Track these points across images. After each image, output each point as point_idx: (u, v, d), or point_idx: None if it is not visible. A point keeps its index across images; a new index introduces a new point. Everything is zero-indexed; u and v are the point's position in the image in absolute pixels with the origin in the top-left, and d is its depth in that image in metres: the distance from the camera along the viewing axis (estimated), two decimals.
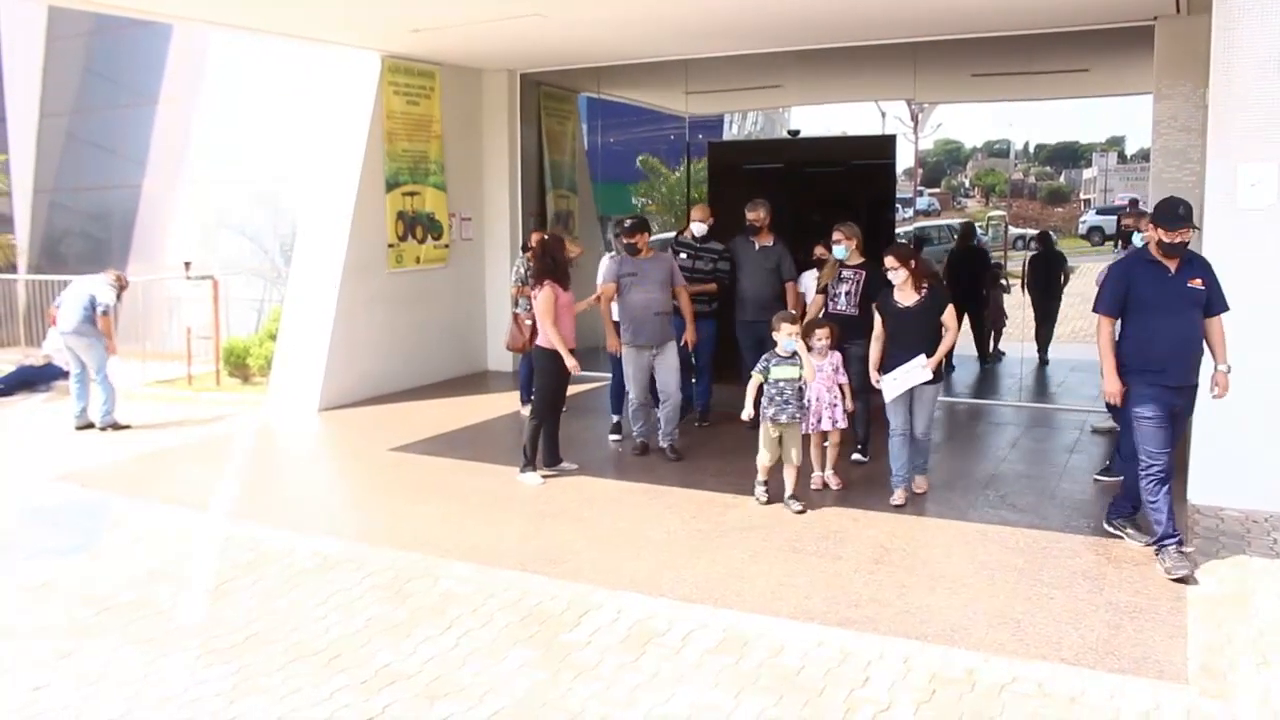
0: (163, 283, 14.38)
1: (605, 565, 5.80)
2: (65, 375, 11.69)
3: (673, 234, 11.03)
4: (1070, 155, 12.82)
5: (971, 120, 13.00)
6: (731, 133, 14.72)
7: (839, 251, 7.54)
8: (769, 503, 6.78)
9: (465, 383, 11.53)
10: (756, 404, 6.80)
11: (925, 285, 6.70)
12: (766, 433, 6.74)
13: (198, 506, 7.07)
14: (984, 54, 10.46)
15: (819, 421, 7.08)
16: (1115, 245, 9.79)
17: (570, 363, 7.31)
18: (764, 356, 6.73)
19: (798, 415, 6.73)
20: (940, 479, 7.33)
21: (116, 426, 9.75)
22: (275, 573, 5.82)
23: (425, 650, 4.84)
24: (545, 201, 12.70)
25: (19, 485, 7.88)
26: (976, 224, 12.73)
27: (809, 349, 6.87)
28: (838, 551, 5.92)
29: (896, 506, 6.74)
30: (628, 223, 7.97)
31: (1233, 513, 6.50)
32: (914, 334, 6.68)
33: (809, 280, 8.51)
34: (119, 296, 9.99)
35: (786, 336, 6.59)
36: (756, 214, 8.73)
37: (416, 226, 11.13)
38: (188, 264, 12.67)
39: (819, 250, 8.28)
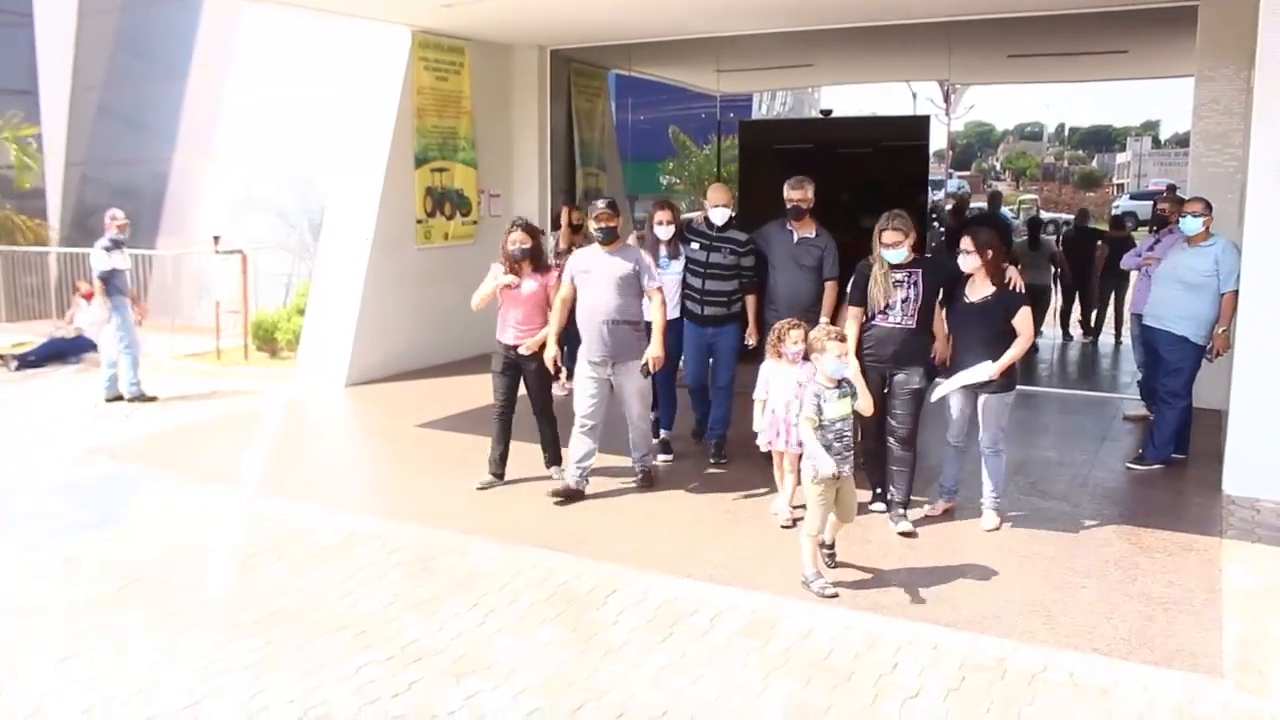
0: (192, 257, 14.43)
1: (632, 545, 5.79)
2: (95, 348, 11.78)
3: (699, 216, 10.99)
4: (1104, 139, 12.66)
5: (1005, 102, 12.85)
6: (760, 112, 14.62)
7: (893, 256, 5.85)
8: (834, 595, 5.08)
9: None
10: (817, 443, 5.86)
11: (1002, 280, 5.81)
12: (816, 494, 5.10)
13: (225, 481, 7.09)
14: (1021, 34, 10.30)
15: (787, 441, 6.04)
16: (1151, 230, 9.64)
17: (549, 354, 6.58)
18: (811, 392, 5.12)
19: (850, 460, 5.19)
20: (969, 469, 6.35)
21: (144, 398, 9.79)
22: (301, 548, 5.82)
23: (452, 627, 4.83)
24: (574, 179, 12.66)
25: (49, 458, 7.93)
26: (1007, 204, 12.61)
27: (778, 355, 6.10)
28: (866, 536, 5.87)
29: (926, 517, 6.15)
30: (599, 205, 6.59)
31: (1269, 504, 6.40)
32: (978, 335, 5.84)
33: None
34: (119, 245, 9.85)
35: (836, 359, 5.09)
36: (802, 192, 7.10)
37: (445, 203, 11.10)
38: (217, 238, 12.70)
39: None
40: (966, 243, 5.81)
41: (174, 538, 6.08)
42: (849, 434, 5.13)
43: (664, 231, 7.36)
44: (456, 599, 5.14)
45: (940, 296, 6.01)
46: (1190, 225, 6.94)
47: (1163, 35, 9.83)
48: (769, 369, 6.16)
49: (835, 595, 5.03)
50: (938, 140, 11.88)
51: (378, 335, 10.44)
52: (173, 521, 6.40)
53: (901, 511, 5.98)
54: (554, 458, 6.98)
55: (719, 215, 7.25)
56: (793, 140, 12.82)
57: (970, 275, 5.89)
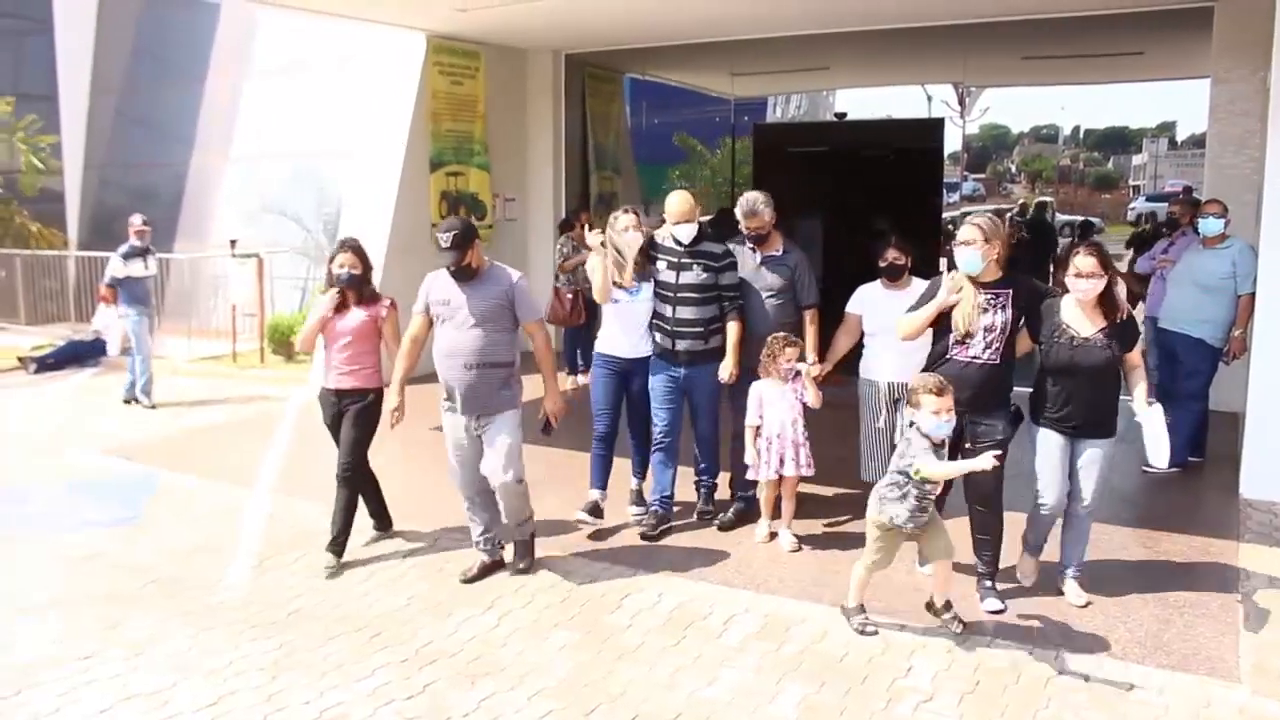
0: (209, 260, 14.51)
1: (645, 548, 5.80)
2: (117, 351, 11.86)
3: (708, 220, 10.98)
4: (1120, 140, 12.62)
5: (1020, 104, 12.83)
6: (775, 115, 14.62)
7: (969, 263, 4.79)
8: (874, 632, 4.74)
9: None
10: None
11: (1114, 309, 4.74)
12: (875, 536, 4.62)
13: (241, 482, 7.13)
14: (1036, 36, 10.28)
15: (781, 464, 5.66)
16: (1165, 233, 9.60)
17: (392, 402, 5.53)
18: (903, 452, 4.42)
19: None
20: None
21: (142, 403, 9.87)
22: (318, 549, 5.84)
23: (467, 629, 4.85)
24: (589, 183, 12.68)
25: (67, 458, 7.98)
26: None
27: (773, 370, 5.63)
28: None
29: (1019, 587, 5.17)
30: (444, 229, 5.28)
31: None
32: (1088, 382, 4.76)
33: (874, 297, 5.90)
34: (140, 252, 9.88)
35: (934, 417, 4.34)
36: (759, 220, 6.01)
37: (460, 206, 11.14)
38: (233, 242, 12.77)
39: (891, 253, 5.77)
40: (1086, 262, 4.64)
41: (191, 538, 6.11)
42: (934, 495, 4.51)
43: (631, 239, 5.94)
44: (471, 601, 5.16)
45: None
46: (1210, 226, 6.90)
47: (1178, 36, 9.80)
48: (761, 390, 5.69)
49: (875, 633, 4.69)
50: (953, 143, 11.86)
51: None
52: (190, 522, 6.43)
53: (989, 584, 4.99)
54: (383, 523, 6.14)
55: (684, 233, 5.92)
56: (807, 144, 12.81)
57: (1082, 305, 4.76)
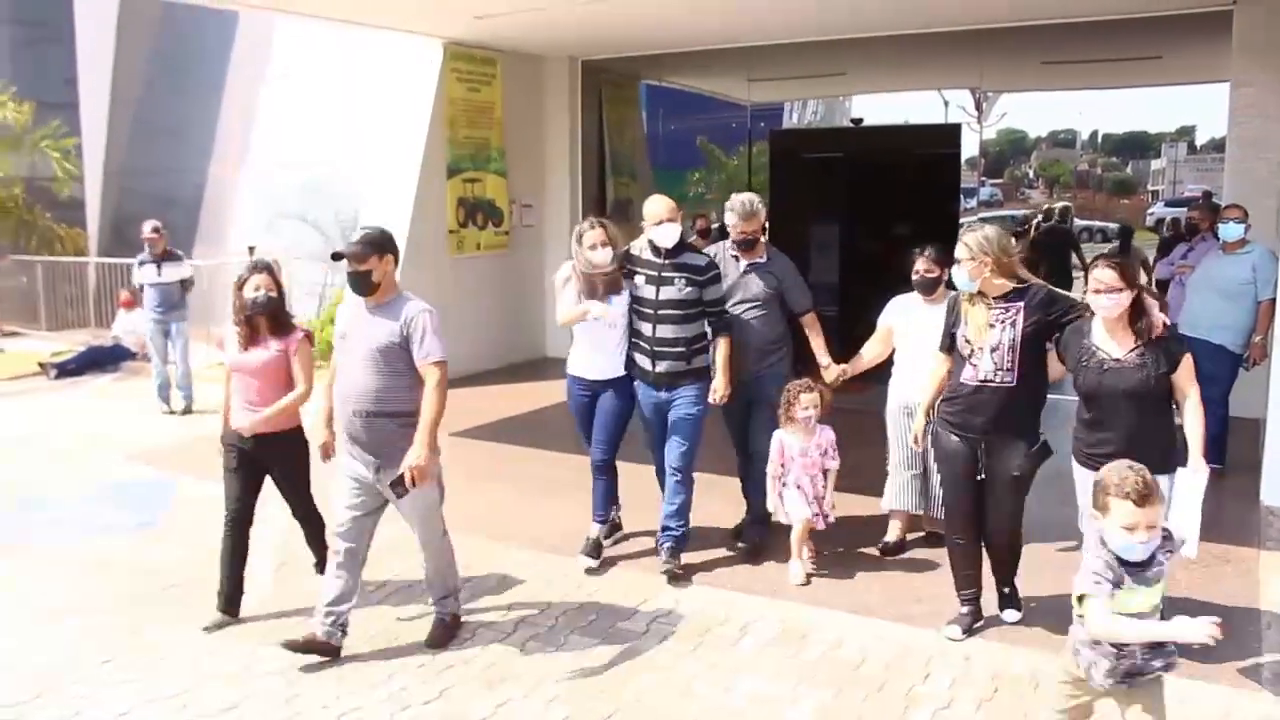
0: (228, 267, 14.57)
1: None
2: (133, 356, 11.96)
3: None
4: (1138, 145, 12.58)
5: (1037, 109, 12.80)
6: (791, 121, 14.62)
7: (960, 282, 4.53)
8: None
9: (525, 369, 11.56)
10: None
11: (1147, 326, 4.20)
12: (1064, 694, 3.40)
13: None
14: (1054, 41, 10.25)
15: (821, 515, 5.42)
16: (1185, 239, 9.56)
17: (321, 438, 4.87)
18: (1101, 571, 3.06)
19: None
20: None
21: (170, 409, 9.98)
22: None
23: (483, 635, 4.86)
24: (605, 189, 12.70)
25: (89, 463, 8.03)
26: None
27: (791, 419, 5.30)
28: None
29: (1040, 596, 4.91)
30: (354, 239, 4.58)
31: None
32: (1125, 409, 4.23)
33: (908, 309, 5.63)
34: (156, 260, 9.92)
35: (1128, 535, 3.01)
36: (755, 224, 5.64)
37: (477, 213, 11.18)
38: (251, 248, 12.82)
39: (922, 265, 5.48)
40: (1104, 275, 4.15)
41: (211, 543, 6.10)
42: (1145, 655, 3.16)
43: (600, 257, 5.39)
44: (488, 606, 5.17)
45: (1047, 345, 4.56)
46: (1231, 231, 6.86)
47: (1197, 40, 9.76)
48: (783, 439, 5.37)
49: None
50: (970, 148, 11.83)
51: None
52: (210, 527, 6.42)
53: (1008, 591, 4.82)
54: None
55: (665, 235, 5.40)
56: (824, 149, 12.81)
57: (1107, 323, 4.27)
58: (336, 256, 4.56)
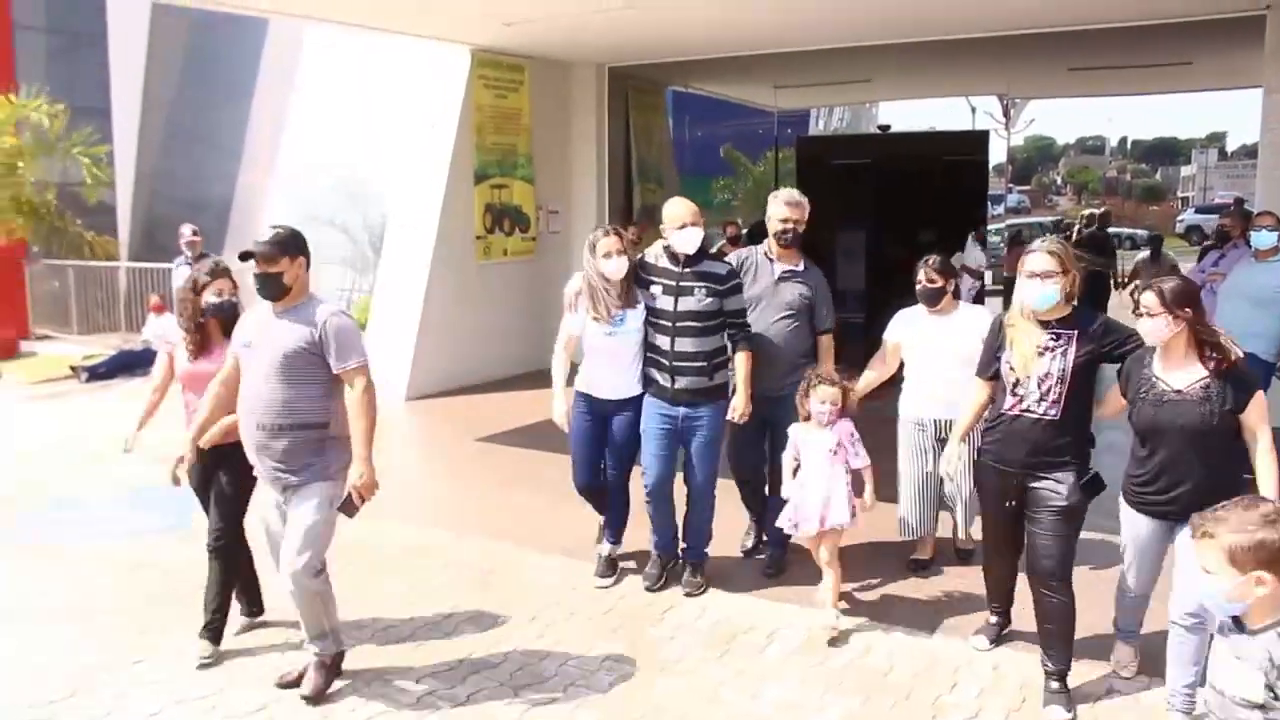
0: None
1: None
2: None
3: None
4: (1168, 151, 12.52)
5: (1065, 115, 12.80)
6: (817, 128, 14.62)
7: (1042, 299, 3.99)
8: None
9: (550, 374, 11.55)
10: None
11: (1212, 353, 3.77)
12: None
13: None
14: (1082, 47, 10.20)
15: (821, 522, 4.82)
16: (1217, 246, 9.48)
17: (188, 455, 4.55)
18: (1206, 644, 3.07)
19: None
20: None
21: None
22: (363, 559, 5.89)
23: (510, 640, 4.87)
24: (632, 195, 12.74)
25: (119, 466, 8.10)
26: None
27: (807, 416, 4.86)
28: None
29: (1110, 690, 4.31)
30: (263, 238, 4.20)
31: None
32: (1185, 449, 3.77)
33: (914, 322, 5.38)
34: (185, 263, 9.81)
35: (1228, 593, 2.39)
36: (800, 212, 5.30)
37: (504, 219, 11.23)
38: None
39: (924, 275, 5.24)
40: (1147, 299, 3.79)
41: None
42: None
43: (613, 267, 5.09)
44: (515, 612, 5.18)
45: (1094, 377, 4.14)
46: (1263, 239, 6.80)
47: (1229, 46, 9.69)
48: (798, 434, 4.94)
49: None
50: (997, 154, 11.79)
51: (437, 350, 10.56)
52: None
53: (1057, 685, 4.14)
54: (254, 607, 5.07)
55: (687, 240, 5.07)
56: (851, 156, 12.79)
57: (1162, 350, 3.85)
58: (245, 256, 4.16)
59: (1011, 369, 4.09)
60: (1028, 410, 4.07)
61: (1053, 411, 4.03)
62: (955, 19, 9.44)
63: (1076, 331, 4.02)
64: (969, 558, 5.52)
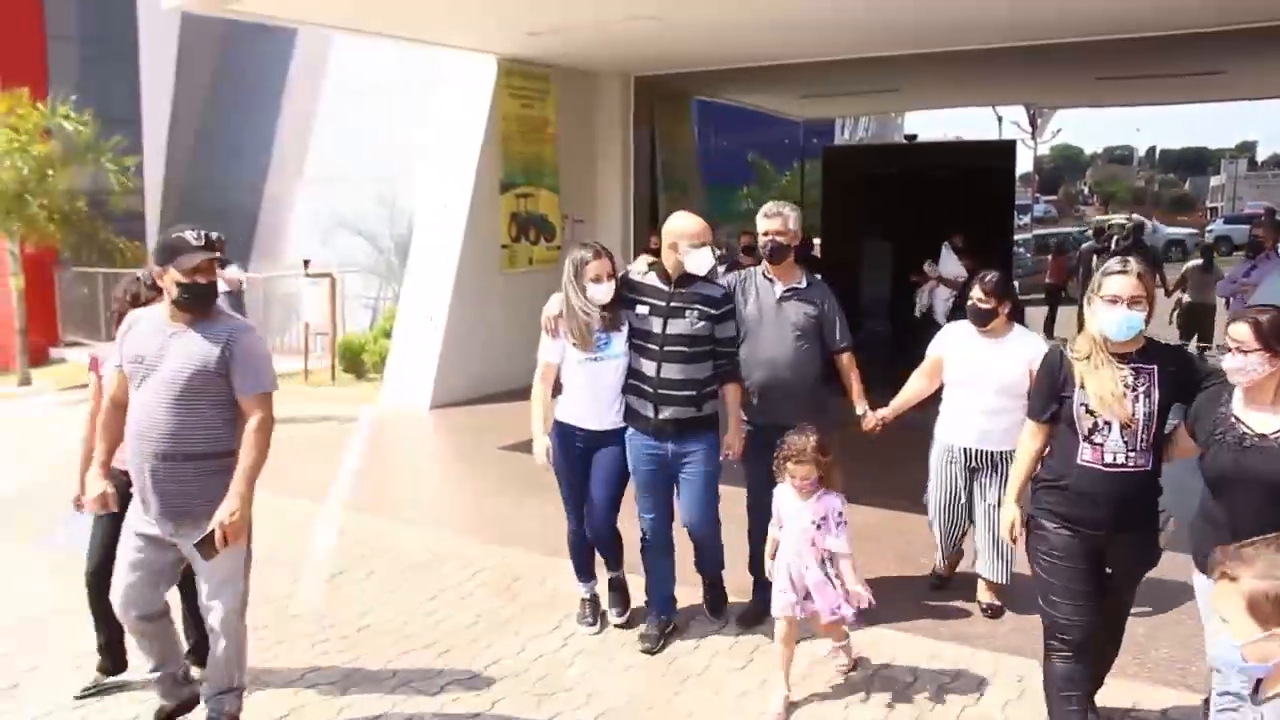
0: (283, 280, 14.81)
1: None
2: None
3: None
4: (1197, 161, 12.42)
5: (1093, 125, 12.78)
6: (843, 138, 14.60)
7: (1126, 328, 3.43)
8: None
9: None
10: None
11: None
12: None
13: (314, 498, 7.25)
14: (1110, 56, 10.13)
15: (799, 610, 4.20)
16: (1247, 256, 9.40)
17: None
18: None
19: None
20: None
21: None
22: (388, 565, 5.93)
23: (533, 648, 4.87)
24: (657, 204, 12.74)
25: None
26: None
27: (779, 479, 4.26)
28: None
29: None
30: (190, 229, 3.79)
31: None
32: (1268, 504, 3.14)
33: (961, 340, 5.03)
34: None
35: (1245, 654, 2.04)
36: (781, 222, 4.83)
37: (530, 228, 11.26)
38: (307, 262, 13.04)
39: (976, 293, 4.90)
40: (1237, 330, 3.24)
41: (265, 552, 6.19)
42: None
43: (603, 293, 4.64)
44: (538, 620, 5.18)
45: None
46: None
47: (1262, 55, 9.60)
48: (779, 498, 4.32)
49: None
50: (1024, 164, 11.74)
51: (462, 358, 10.59)
52: (264, 536, 6.52)
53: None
54: (116, 662, 4.49)
55: (700, 261, 4.63)
56: (877, 166, 12.76)
57: (1249, 387, 3.27)
58: (209, 249, 3.71)
59: (1089, 412, 3.49)
60: (1115, 463, 3.48)
61: (1142, 460, 3.48)
62: (983, 29, 9.40)
63: (1155, 367, 3.47)
64: (996, 614, 5.13)
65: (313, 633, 5.06)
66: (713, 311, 4.65)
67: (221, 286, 9.96)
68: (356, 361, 12.37)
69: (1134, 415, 3.43)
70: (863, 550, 5.92)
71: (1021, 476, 3.77)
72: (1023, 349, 4.79)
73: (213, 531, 3.64)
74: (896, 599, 5.35)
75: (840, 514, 4.16)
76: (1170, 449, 3.58)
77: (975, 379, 4.87)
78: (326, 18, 9.43)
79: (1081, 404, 3.50)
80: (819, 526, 4.13)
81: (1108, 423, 3.46)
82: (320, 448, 8.86)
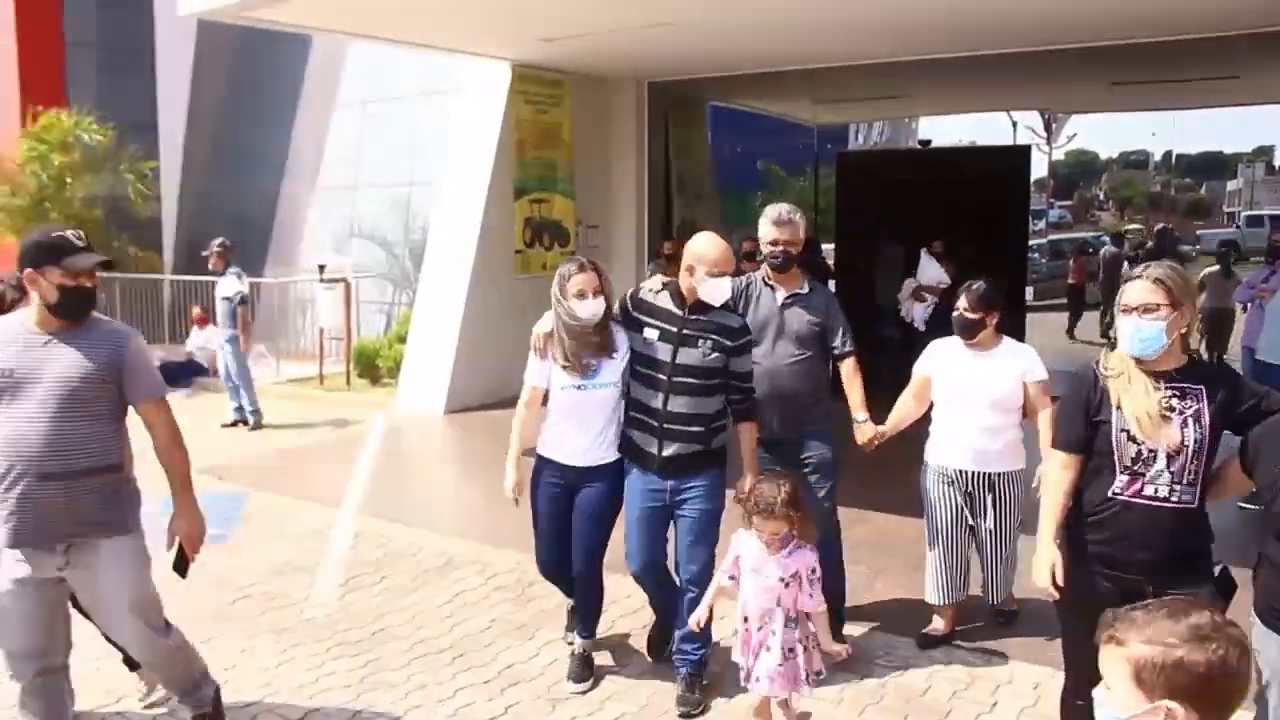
0: (298, 285, 14.87)
1: None
2: (206, 372, 12.23)
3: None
4: (1213, 166, 12.37)
5: (1108, 130, 12.65)
6: (857, 143, 14.58)
7: (1147, 341, 3.06)
8: None
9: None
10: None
11: None
12: None
13: (329, 503, 7.27)
14: (1126, 61, 10.09)
15: (756, 679, 3.78)
16: (1267, 262, 9.34)
17: None
18: None
19: None
20: None
21: (249, 424, 10.11)
22: (402, 570, 5.94)
23: (547, 653, 4.88)
24: (671, 210, 12.76)
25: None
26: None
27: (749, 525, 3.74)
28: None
29: None
30: (71, 228, 3.55)
31: None
32: None
33: (949, 356, 4.79)
34: (221, 275, 10.08)
35: None
36: (792, 231, 4.60)
37: (544, 233, 11.28)
38: (322, 267, 13.08)
39: (961, 303, 4.68)
40: None
41: (281, 557, 6.24)
42: None
43: (588, 310, 4.26)
44: (552, 625, 5.19)
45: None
46: None
47: (1277, 59, 9.55)
48: (740, 543, 3.85)
49: None
50: (1039, 169, 11.71)
51: (476, 363, 10.61)
52: (280, 541, 6.57)
53: None
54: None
55: (718, 291, 4.19)
56: (891, 171, 12.74)
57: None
58: (92, 254, 3.47)
59: (1131, 439, 3.09)
60: (1157, 497, 3.08)
61: (1188, 496, 3.08)
62: (997, 34, 9.38)
63: (1204, 388, 3.06)
64: (1009, 619, 5.08)
65: (327, 637, 5.08)
66: (728, 343, 4.22)
67: (222, 293, 10.09)
68: (371, 366, 12.39)
69: (1183, 441, 3.03)
70: (875, 557, 5.95)
71: (1055, 516, 3.30)
72: (1014, 361, 4.65)
73: (181, 552, 3.58)
74: (910, 606, 5.34)
75: (814, 570, 3.71)
76: (1218, 486, 3.17)
77: (965, 395, 4.63)
78: (341, 25, 9.47)
79: (1123, 429, 3.10)
80: (787, 585, 3.67)
81: (1153, 451, 3.06)
82: (335, 452, 8.89)
